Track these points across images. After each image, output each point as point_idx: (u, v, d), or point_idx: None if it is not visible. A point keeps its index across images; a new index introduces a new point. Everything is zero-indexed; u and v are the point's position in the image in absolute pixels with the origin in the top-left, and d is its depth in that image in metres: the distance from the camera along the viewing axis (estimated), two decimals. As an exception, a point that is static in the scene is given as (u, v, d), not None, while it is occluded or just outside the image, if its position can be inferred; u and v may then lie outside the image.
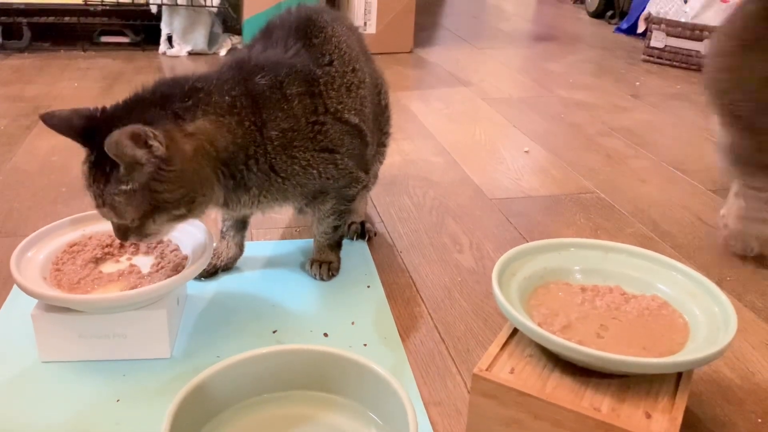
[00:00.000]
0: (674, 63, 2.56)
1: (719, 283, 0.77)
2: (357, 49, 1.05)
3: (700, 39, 2.46)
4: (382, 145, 1.19)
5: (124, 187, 0.81)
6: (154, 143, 0.79)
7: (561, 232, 1.27)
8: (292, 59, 0.96)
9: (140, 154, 0.79)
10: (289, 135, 0.92)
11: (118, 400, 0.82)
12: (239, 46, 2.58)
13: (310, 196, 1.00)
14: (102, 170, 0.81)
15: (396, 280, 1.10)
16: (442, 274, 1.12)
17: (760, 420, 0.82)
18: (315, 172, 0.96)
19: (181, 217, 0.87)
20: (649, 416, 0.64)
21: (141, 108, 0.83)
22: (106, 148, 0.76)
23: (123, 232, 0.86)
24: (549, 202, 1.41)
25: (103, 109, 0.84)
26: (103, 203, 0.83)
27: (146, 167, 0.80)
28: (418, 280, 1.10)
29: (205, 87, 0.87)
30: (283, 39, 0.99)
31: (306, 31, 0.99)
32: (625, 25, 3.19)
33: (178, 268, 0.91)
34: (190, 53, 2.55)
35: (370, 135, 1.05)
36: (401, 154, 1.64)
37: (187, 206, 0.86)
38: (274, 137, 0.91)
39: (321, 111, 0.95)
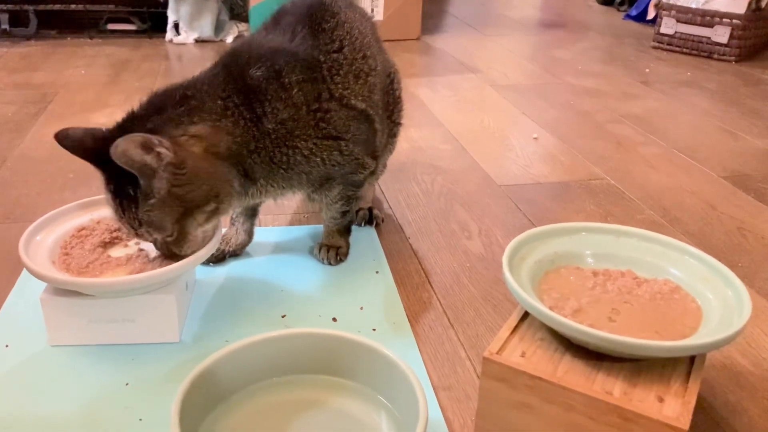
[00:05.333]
0: (684, 50, 2.54)
1: (730, 269, 0.76)
2: (369, 37, 1.03)
3: (710, 25, 2.44)
4: (392, 135, 1.18)
5: (152, 201, 0.81)
6: (161, 149, 0.79)
7: (571, 218, 1.26)
8: (295, 46, 0.95)
9: (149, 159, 0.79)
10: (289, 125, 0.91)
11: (127, 384, 0.82)
12: (246, 34, 2.57)
13: (317, 183, 1.00)
14: (127, 196, 0.82)
15: (405, 265, 1.09)
16: (450, 260, 1.11)
17: (772, 406, 0.81)
18: (318, 159, 0.96)
19: (213, 213, 0.87)
20: (661, 400, 0.64)
21: (141, 121, 0.83)
22: (113, 157, 0.76)
23: (168, 248, 0.86)
24: (558, 189, 1.40)
25: (111, 131, 0.84)
26: (140, 224, 0.83)
27: (161, 174, 0.80)
28: (426, 266, 1.09)
29: (196, 94, 0.87)
30: (292, 25, 0.98)
31: (317, 16, 0.98)
32: (634, 12, 3.16)
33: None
34: (196, 41, 2.54)
35: (379, 121, 1.04)
36: (409, 141, 1.63)
37: (216, 200, 0.87)
38: (272, 130, 0.90)
39: (325, 97, 0.94)
